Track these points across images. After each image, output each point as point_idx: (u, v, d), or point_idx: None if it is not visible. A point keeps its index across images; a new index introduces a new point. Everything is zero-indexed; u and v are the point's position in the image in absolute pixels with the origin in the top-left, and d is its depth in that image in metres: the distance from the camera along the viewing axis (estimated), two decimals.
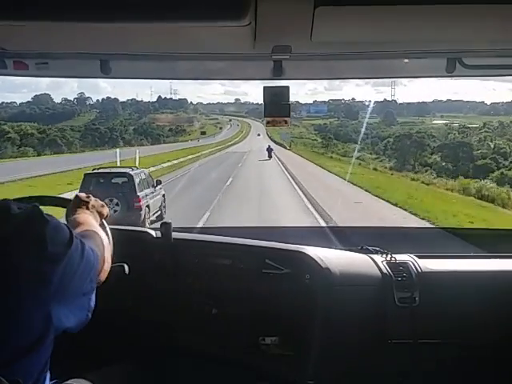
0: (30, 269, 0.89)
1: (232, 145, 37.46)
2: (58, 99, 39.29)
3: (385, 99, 40.20)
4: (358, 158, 27.51)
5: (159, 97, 43.93)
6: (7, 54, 1.47)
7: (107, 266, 1.22)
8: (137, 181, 9.73)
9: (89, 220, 1.32)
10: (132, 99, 42.25)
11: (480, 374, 1.82)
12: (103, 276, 1.20)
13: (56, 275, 0.91)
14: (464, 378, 1.83)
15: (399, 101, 39.79)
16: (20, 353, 0.89)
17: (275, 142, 36.47)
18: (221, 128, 45.61)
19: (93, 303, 1.06)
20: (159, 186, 10.66)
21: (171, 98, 44.45)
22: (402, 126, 34.96)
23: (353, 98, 44.01)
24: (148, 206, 9.28)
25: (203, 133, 41.31)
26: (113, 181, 9.72)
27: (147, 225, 9.01)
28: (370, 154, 30.12)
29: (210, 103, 50.39)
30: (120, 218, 8.51)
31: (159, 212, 10.12)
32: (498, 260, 2.01)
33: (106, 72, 1.58)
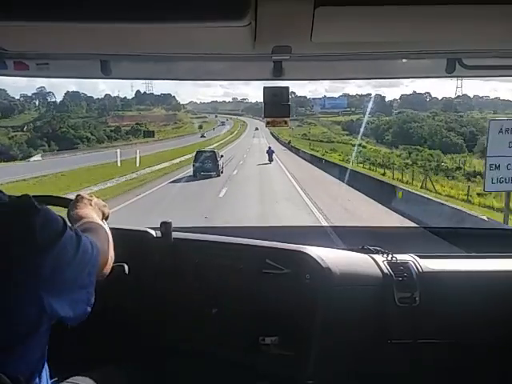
0: (19, 257, 0.87)
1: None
2: (16, 95, 35.06)
3: (414, 91, 35.80)
4: None
5: (137, 91, 38.86)
6: (8, 54, 1.47)
7: (110, 260, 1.20)
8: (217, 153, 21.11)
9: (91, 214, 1.30)
10: (106, 95, 37.73)
11: (480, 373, 1.82)
12: (106, 270, 1.18)
13: (47, 264, 0.90)
14: (464, 378, 1.83)
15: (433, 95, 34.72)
16: (13, 341, 0.89)
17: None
18: (201, 127, 39.36)
19: (92, 297, 1.04)
20: (223, 157, 21.75)
21: (152, 93, 39.64)
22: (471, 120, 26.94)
23: (368, 94, 38.28)
24: (220, 164, 20.41)
25: (148, 134, 32.56)
26: (206, 154, 20.60)
27: (221, 173, 20.01)
28: None
29: (202, 102, 46.76)
30: (210, 169, 19.55)
31: (222, 169, 20.54)
32: (498, 260, 2.01)
33: (106, 72, 1.58)
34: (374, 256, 1.94)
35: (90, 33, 1.24)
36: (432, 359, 1.81)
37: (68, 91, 36.70)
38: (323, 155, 26.49)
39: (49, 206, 1.00)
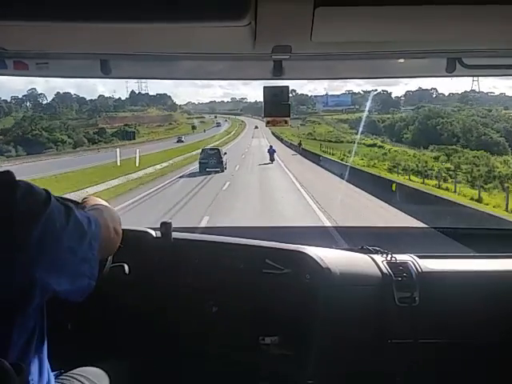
0: (2, 232, 0.85)
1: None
2: (7, 97, 33.34)
3: (420, 88, 34.08)
4: None
5: (132, 92, 37.31)
6: (7, 53, 1.47)
7: (115, 236, 1.16)
8: (221, 150, 22.75)
9: (99, 201, 1.28)
10: (100, 95, 36.24)
11: (480, 373, 1.82)
12: (111, 246, 1.15)
13: (33, 237, 0.87)
14: (464, 378, 1.83)
15: (439, 90, 32.92)
16: (2, 315, 0.87)
17: None
18: (194, 128, 36.99)
19: (96, 271, 1.01)
20: (226, 154, 22.64)
21: (147, 93, 38.09)
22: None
23: (374, 90, 35.37)
24: (223, 161, 21.35)
25: (128, 135, 28.46)
26: (211, 151, 22.40)
27: (225, 169, 20.80)
28: None
29: (201, 102, 44.80)
30: (215, 165, 20.55)
31: (226, 165, 21.58)
32: (497, 260, 2.01)
33: (106, 72, 1.58)
34: (374, 256, 1.94)
35: (89, 32, 1.23)
36: (432, 359, 1.81)
37: (59, 92, 35.42)
38: (342, 159, 19.62)
39: None
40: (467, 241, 2.41)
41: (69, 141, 27.21)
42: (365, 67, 1.73)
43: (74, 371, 1.39)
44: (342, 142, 25.63)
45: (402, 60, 1.62)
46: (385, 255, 1.93)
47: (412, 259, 1.91)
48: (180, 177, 19.73)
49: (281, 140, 30.51)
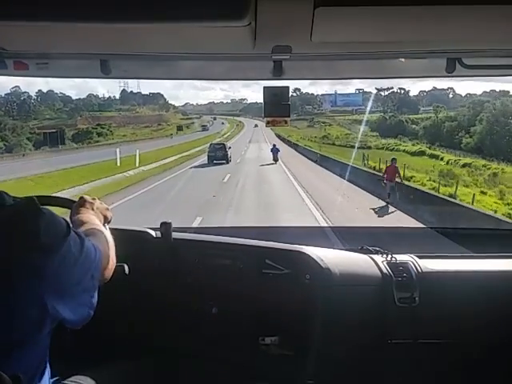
0: (22, 260, 0.88)
1: None
2: None
3: (434, 87, 31.93)
4: None
5: (123, 90, 35.62)
6: (7, 53, 1.47)
7: (112, 264, 1.21)
8: (226, 145, 25.34)
9: (93, 219, 1.31)
10: (89, 94, 34.78)
11: (480, 374, 1.82)
12: (108, 274, 1.19)
13: (50, 267, 0.90)
14: (464, 378, 1.83)
15: (449, 91, 30.99)
16: (16, 345, 0.89)
17: None
18: (180, 129, 34.54)
19: (95, 300, 1.05)
20: (230, 148, 25.09)
21: (139, 92, 36.30)
22: None
23: (389, 88, 31.60)
24: (228, 154, 23.96)
25: (53, 140, 24.05)
26: (217, 146, 25.01)
27: (230, 161, 23.61)
28: None
29: (199, 104, 43.41)
30: (221, 157, 23.21)
31: (231, 158, 24.03)
32: (497, 260, 2.01)
33: (106, 72, 1.58)
34: (374, 256, 1.94)
35: (89, 32, 1.23)
36: (432, 359, 1.81)
37: (41, 90, 33.76)
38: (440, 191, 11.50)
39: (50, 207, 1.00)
40: (466, 242, 2.41)
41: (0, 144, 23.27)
42: (365, 67, 1.73)
43: (71, 379, 1.39)
44: (369, 147, 19.43)
45: (401, 60, 1.62)
46: (385, 255, 1.93)
47: (412, 259, 1.91)
48: (191, 167, 22.60)
49: (295, 147, 23.04)
